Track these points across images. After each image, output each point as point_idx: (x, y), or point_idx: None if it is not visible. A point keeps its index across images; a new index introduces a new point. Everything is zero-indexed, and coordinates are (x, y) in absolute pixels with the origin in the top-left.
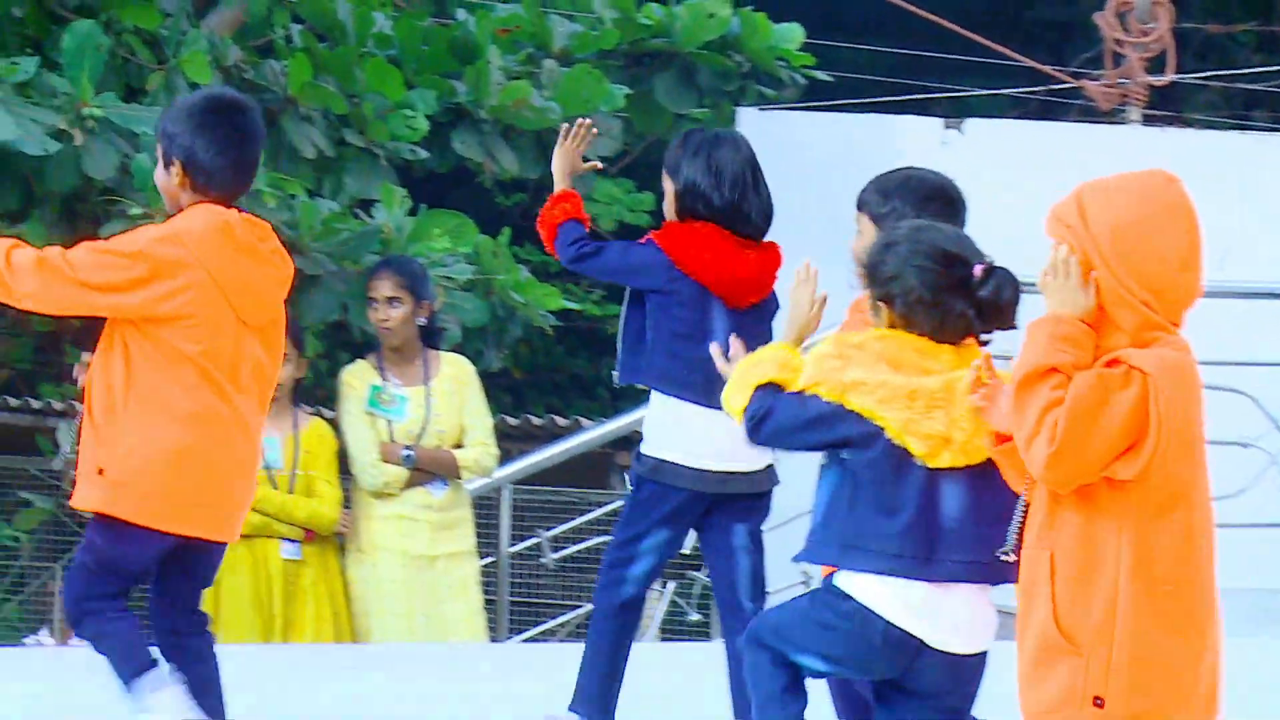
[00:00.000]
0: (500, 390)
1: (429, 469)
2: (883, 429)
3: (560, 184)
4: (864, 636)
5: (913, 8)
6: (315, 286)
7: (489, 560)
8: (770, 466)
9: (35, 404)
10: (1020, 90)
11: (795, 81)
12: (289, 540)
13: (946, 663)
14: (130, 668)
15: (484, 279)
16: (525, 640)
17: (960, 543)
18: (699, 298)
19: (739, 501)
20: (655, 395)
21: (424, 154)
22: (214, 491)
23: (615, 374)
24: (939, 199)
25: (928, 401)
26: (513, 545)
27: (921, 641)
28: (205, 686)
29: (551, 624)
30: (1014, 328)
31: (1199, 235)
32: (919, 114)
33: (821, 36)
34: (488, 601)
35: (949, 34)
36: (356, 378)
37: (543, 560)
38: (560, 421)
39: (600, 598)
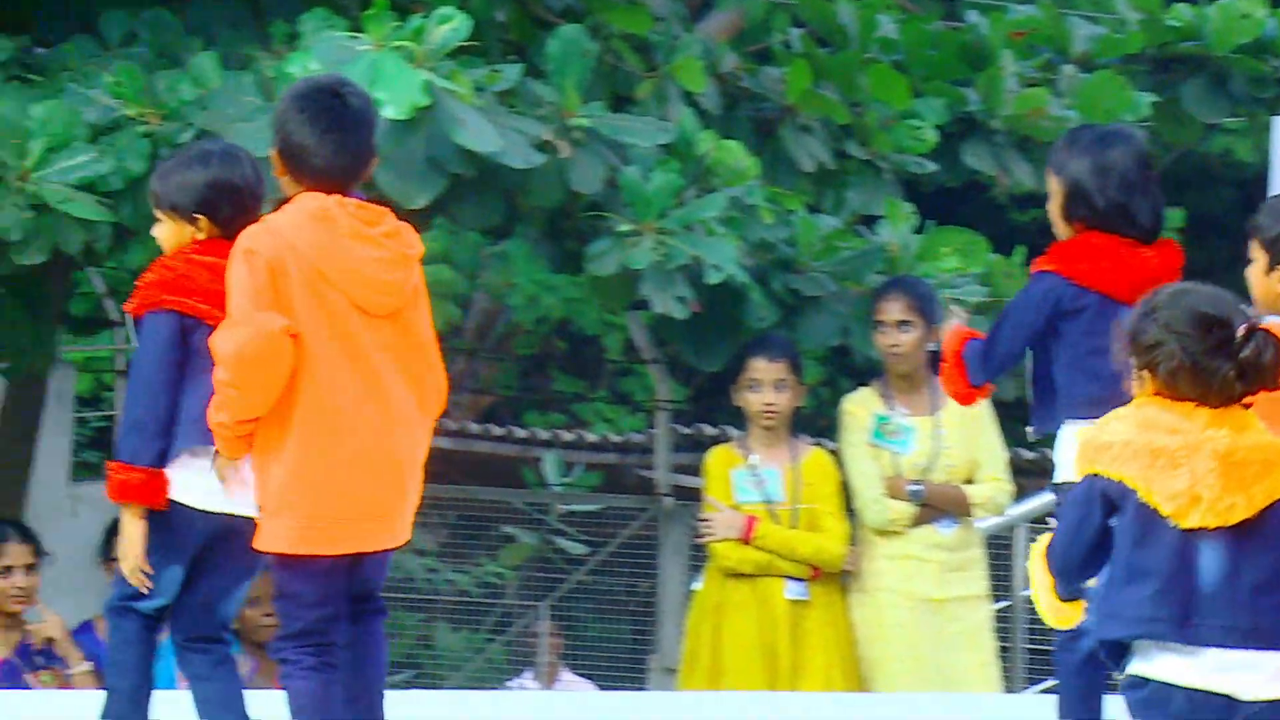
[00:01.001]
0: (1015, 421)
1: (937, 506)
2: (1132, 489)
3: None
4: (1168, 711)
5: None
6: (814, 308)
7: (1003, 605)
8: None
9: (519, 433)
10: None
11: None
12: (794, 579)
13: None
14: None
15: (997, 301)
16: (1042, 691)
17: (1219, 608)
18: (1107, 309)
19: None
20: (1069, 424)
21: (931, 167)
22: (355, 499)
23: (1030, 429)
24: None
25: (1169, 460)
26: (1028, 589)
27: (1229, 697)
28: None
29: None
30: (1277, 388)
31: None
32: None
33: None
34: (1001, 650)
35: None
36: (860, 406)
37: None
38: None
39: (1059, 656)
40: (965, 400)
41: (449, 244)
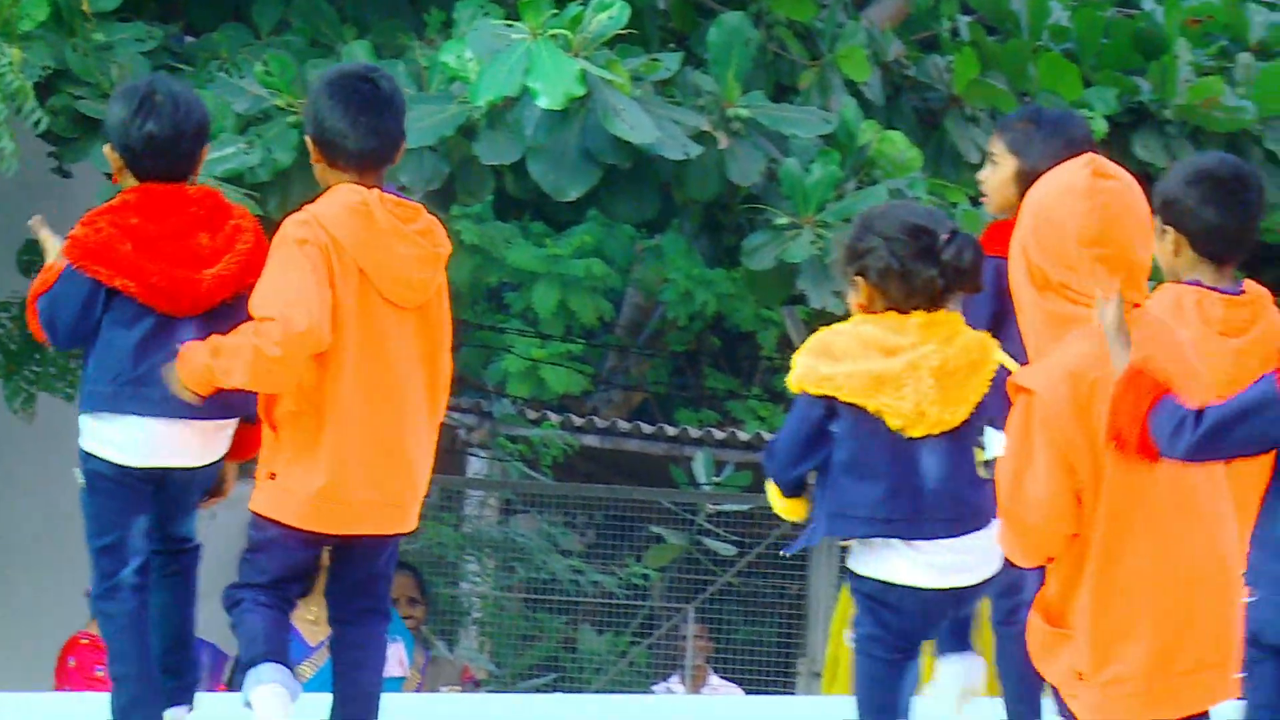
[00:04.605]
0: None
1: None
2: (862, 406)
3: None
4: (900, 609)
5: None
6: None
7: None
8: None
9: (670, 431)
10: None
11: None
12: None
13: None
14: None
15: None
16: None
17: (943, 503)
18: None
19: None
20: None
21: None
22: (369, 484)
23: None
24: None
25: (894, 383)
26: None
27: (952, 590)
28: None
29: None
30: (980, 289)
31: (1116, 215)
32: None
33: None
34: None
35: None
36: None
37: None
38: None
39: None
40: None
41: (602, 237)
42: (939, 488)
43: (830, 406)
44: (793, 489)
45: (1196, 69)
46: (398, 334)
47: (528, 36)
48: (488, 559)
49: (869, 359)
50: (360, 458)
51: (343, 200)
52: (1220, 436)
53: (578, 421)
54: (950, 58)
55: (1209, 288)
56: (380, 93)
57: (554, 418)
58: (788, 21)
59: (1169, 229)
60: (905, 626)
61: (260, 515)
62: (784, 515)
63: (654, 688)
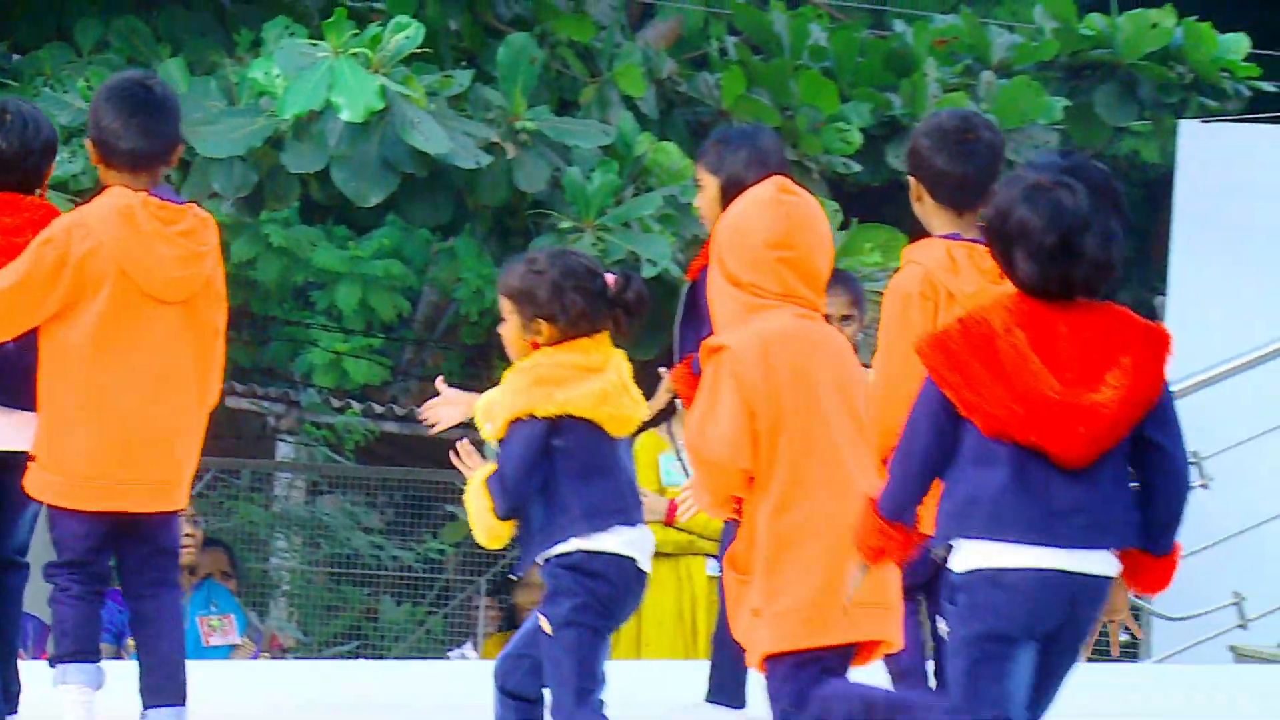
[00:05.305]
0: None
1: None
2: (590, 418)
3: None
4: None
5: None
6: None
7: None
8: None
9: None
10: None
11: (1239, 93)
12: (715, 557)
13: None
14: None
15: None
16: None
17: (636, 495)
18: None
19: None
20: None
21: (857, 167)
22: (126, 465)
23: None
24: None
25: (614, 396)
26: None
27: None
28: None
29: None
30: (641, 315)
31: (798, 224)
32: None
33: (1268, 46)
34: None
35: None
36: None
37: None
38: None
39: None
40: None
41: (400, 240)
42: (632, 479)
43: (555, 425)
44: (515, 514)
45: (944, 85)
46: (161, 326)
47: (331, 54)
48: (295, 536)
49: (587, 380)
50: (117, 440)
51: (111, 203)
52: (903, 471)
53: (378, 409)
54: (719, 75)
55: (970, 240)
56: (153, 96)
57: (356, 406)
58: (569, 41)
59: (911, 177)
60: (612, 595)
61: (29, 495)
62: (491, 546)
63: (449, 654)
